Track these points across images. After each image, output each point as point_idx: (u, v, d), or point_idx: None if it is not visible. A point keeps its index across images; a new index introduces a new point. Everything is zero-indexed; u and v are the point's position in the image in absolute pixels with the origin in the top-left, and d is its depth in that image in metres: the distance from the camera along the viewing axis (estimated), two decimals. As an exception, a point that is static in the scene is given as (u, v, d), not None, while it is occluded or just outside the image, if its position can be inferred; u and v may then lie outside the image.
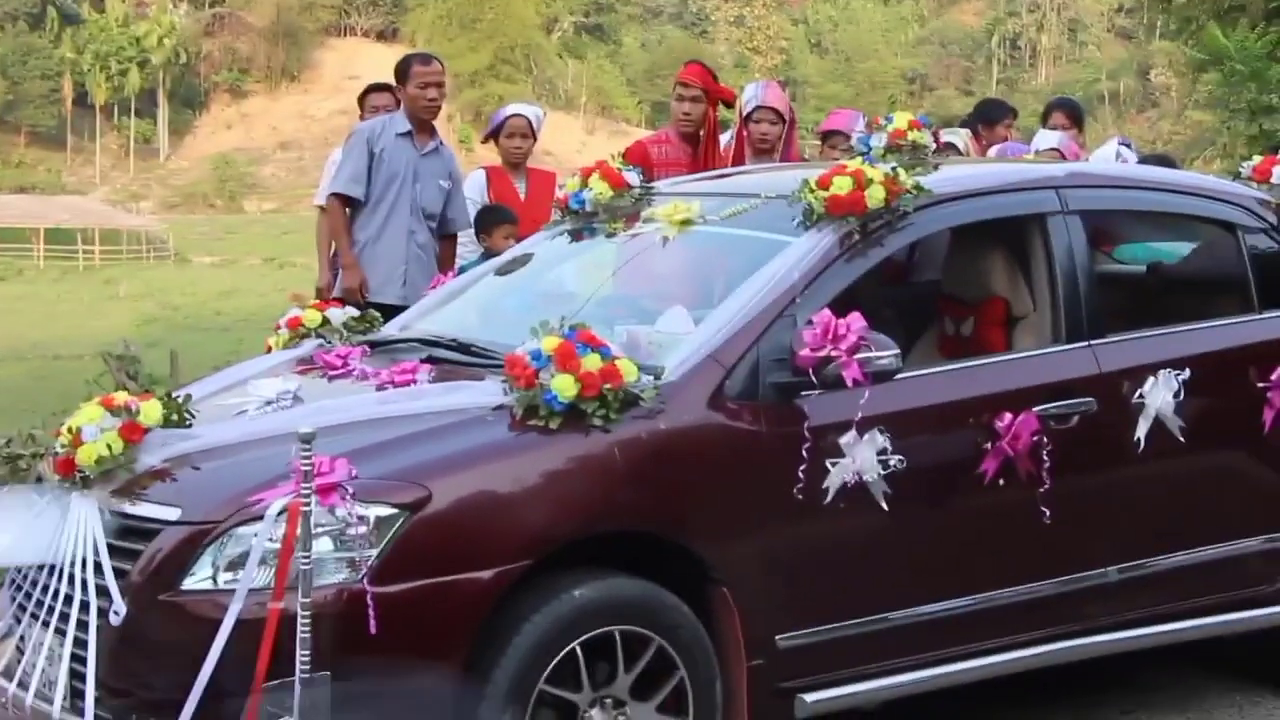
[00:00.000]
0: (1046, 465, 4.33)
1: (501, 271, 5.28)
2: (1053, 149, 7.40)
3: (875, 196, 4.32)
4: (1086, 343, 4.55)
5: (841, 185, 4.35)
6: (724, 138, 8.10)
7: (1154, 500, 4.62)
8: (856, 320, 3.99)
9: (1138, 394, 4.53)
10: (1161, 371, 4.55)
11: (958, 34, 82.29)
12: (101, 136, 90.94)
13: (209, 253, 64.93)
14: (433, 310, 5.12)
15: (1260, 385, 4.72)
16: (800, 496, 4.03)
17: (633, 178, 5.11)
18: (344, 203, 6.71)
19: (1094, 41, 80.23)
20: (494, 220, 6.57)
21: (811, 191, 4.38)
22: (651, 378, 3.95)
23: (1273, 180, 5.08)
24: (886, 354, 3.99)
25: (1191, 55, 21.08)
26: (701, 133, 6.78)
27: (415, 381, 4.21)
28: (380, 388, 4.24)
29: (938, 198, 4.47)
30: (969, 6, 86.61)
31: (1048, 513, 4.34)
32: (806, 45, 78.87)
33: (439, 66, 6.98)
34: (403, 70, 6.88)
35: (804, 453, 4.02)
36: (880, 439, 4.09)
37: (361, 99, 7.89)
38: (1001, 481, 4.29)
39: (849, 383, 3.96)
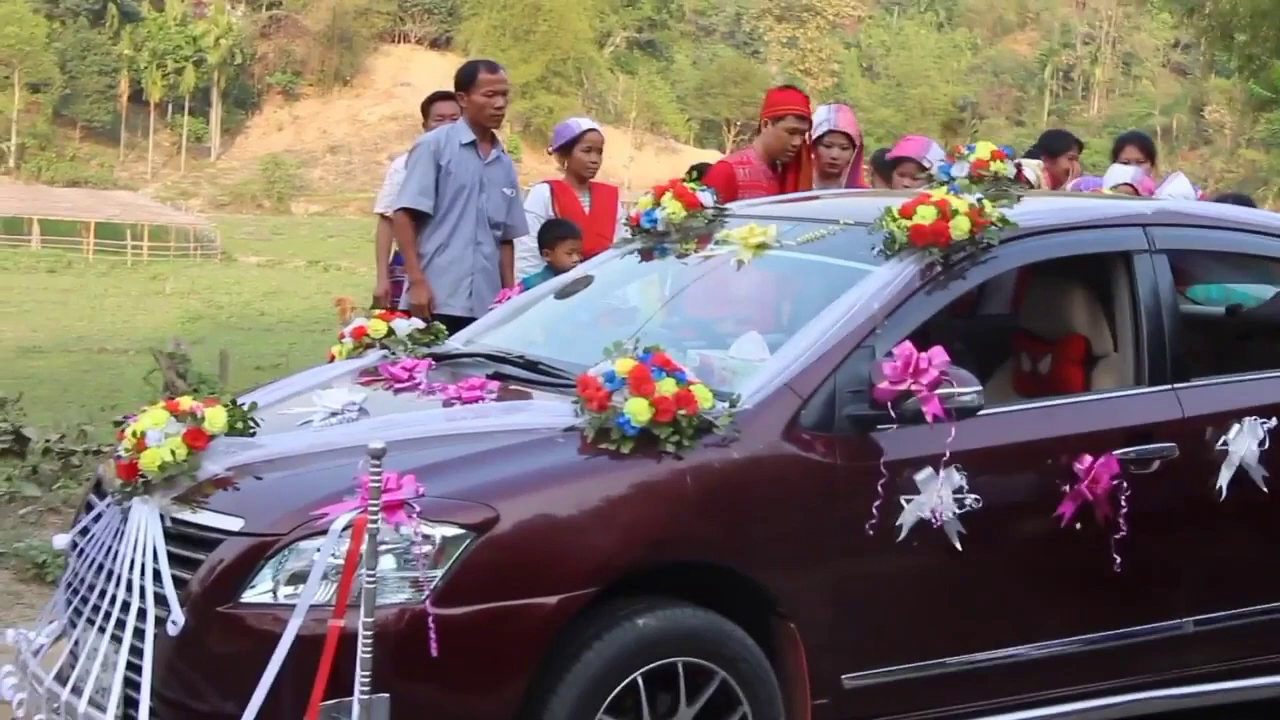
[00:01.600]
0: (1124, 511, 4.20)
1: (569, 289, 5.19)
2: (1127, 184, 7.28)
3: (960, 228, 4.22)
4: (1170, 386, 4.43)
5: (925, 215, 4.24)
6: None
7: (1233, 551, 4.49)
8: (938, 354, 3.89)
9: (1221, 441, 4.40)
10: (1247, 419, 4.43)
11: (1010, 63, 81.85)
12: (154, 134, 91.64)
13: (255, 253, 65.27)
14: (499, 325, 5.05)
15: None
16: (873, 533, 3.93)
17: (707, 198, 5.03)
18: (412, 217, 6.65)
19: (1148, 76, 79.70)
20: (558, 235, 6.50)
21: (894, 220, 4.28)
22: (726, 405, 3.86)
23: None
24: (969, 390, 3.88)
25: (1254, 92, 20.96)
26: (781, 162, 6.65)
27: (483, 398, 4.14)
28: (447, 403, 4.16)
29: (1022, 231, 4.36)
30: (1022, 36, 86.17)
31: (1124, 560, 4.22)
32: (858, 69, 78.61)
33: (505, 74, 6.92)
34: (468, 77, 6.81)
35: (879, 488, 3.92)
36: (957, 477, 3.98)
37: (426, 107, 7.84)
38: (1078, 525, 4.17)
39: (929, 419, 3.85)
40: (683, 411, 3.76)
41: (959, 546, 3.99)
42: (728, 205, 5.15)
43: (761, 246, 4.64)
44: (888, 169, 7.29)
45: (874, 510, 3.92)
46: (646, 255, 5.07)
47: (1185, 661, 4.42)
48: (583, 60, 77.23)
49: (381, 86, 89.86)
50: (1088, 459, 4.17)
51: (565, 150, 7.06)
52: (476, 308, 6.19)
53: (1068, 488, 4.16)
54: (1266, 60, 26.06)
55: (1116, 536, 4.21)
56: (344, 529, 3.49)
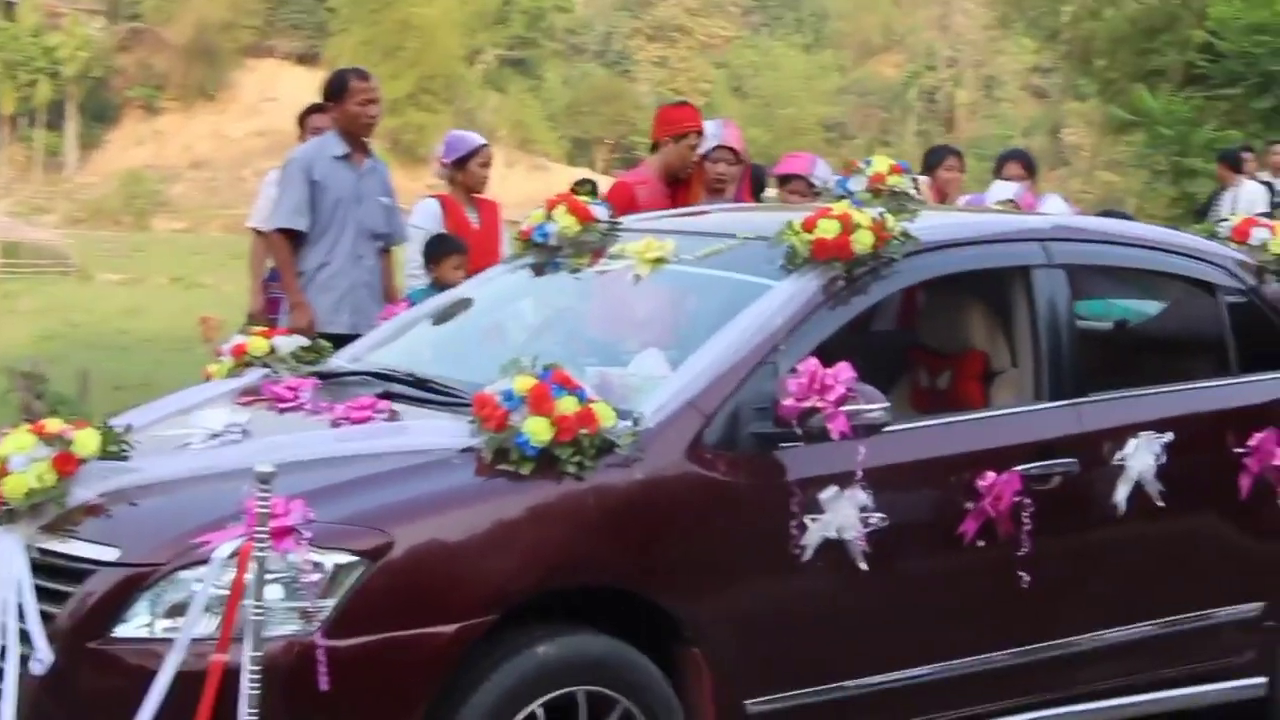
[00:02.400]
0: (1027, 527, 4.15)
1: (457, 305, 5.02)
2: (1009, 200, 7.31)
3: (863, 242, 4.14)
4: (1070, 401, 4.39)
5: (828, 228, 4.16)
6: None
7: (1131, 567, 4.45)
8: (844, 370, 3.79)
9: (1119, 456, 4.36)
10: (1144, 433, 4.40)
11: (877, 85, 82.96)
12: (7, 147, 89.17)
13: (114, 270, 63.60)
14: (385, 342, 4.85)
15: (1238, 451, 4.57)
16: (778, 554, 3.82)
17: (600, 212, 4.90)
18: (288, 237, 6.42)
19: (1009, 99, 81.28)
20: (444, 250, 6.32)
21: (796, 234, 4.19)
22: (629, 424, 3.72)
23: (1251, 241, 4.95)
24: (875, 407, 3.79)
25: (1115, 116, 21.35)
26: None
27: (373, 418, 3.96)
28: (335, 423, 3.97)
29: (923, 245, 4.29)
30: (888, 59, 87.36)
31: (1027, 577, 4.17)
32: (728, 89, 79.08)
33: (377, 82, 6.74)
34: (339, 87, 6.60)
35: (784, 508, 3.82)
36: (862, 495, 3.89)
37: (302, 119, 7.62)
38: (981, 543, 4.11)
39: (835, 436, 3.75)
40: (584, 431, 3.63)
41: (864, 566, 3.90)
42: (621, 219, 5.02)
43: (659, 261, 4.51)
44: (759, 187, 7.21)
45: (779, 531, 3.81)
46: (538, 270, 4.92)
47: (1084, 678, 4.37)
48: (453, 77, 76.56)
49: (247, 101, 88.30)
50: (990, 475, 4.11)
51: (460, 164, 6.88)
52: (360, 324, 6.00)
53: (971, 505, 4.09)
54: (1124, 85, 26.64)
55: (1020, 553, 4.15)
56: (228, 557, 3.30)
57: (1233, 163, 11.84)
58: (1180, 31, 23.63)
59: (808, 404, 3.77)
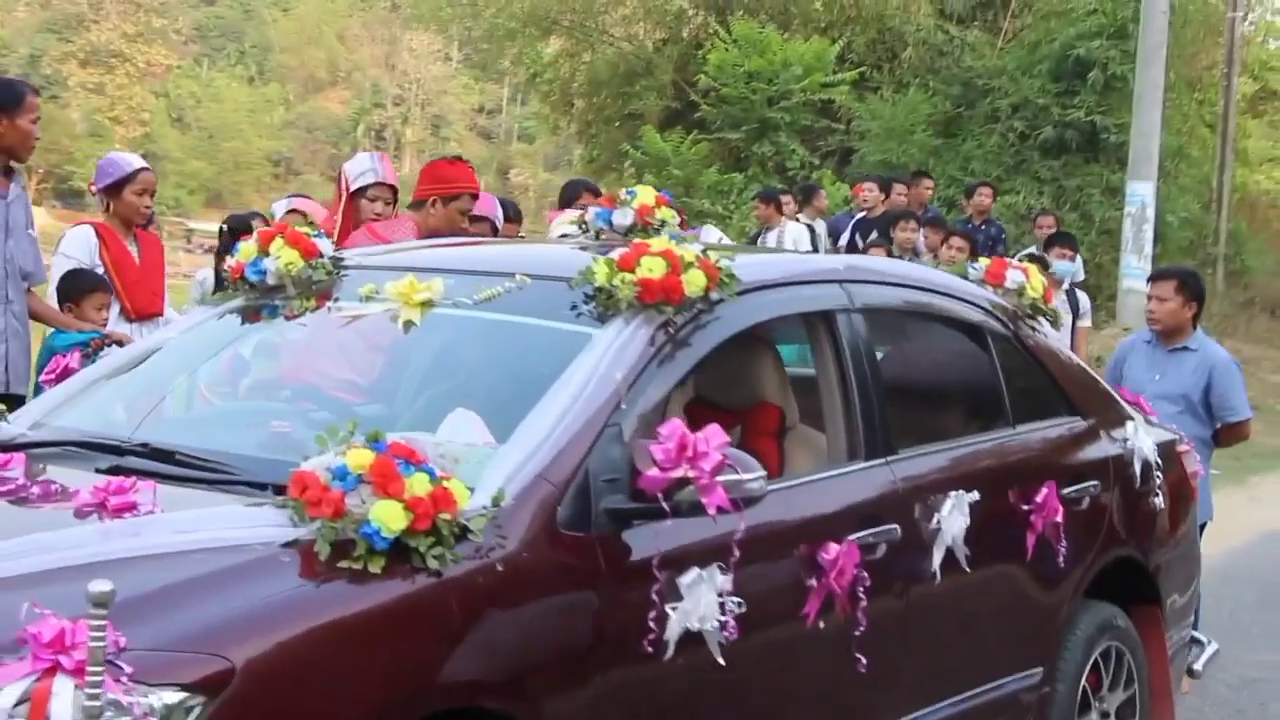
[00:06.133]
0: (863, 604, 3.76)
1: (156, 358, 4.10)
2: None
3: (695, 283, 3.64)
4: (884, 460, 4.04)
5: (653, 268, 3.63)
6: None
7: (946, 639, 4.15)
8: (717, 434, 3.27)
9: (935, 519, 4.06)
10: (954, 493, 4.12)
11: (324, 120, 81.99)
12: None
13: None
14: (71, 403, 3.88)
15: (1025, 508, 4.38)
16: (639, 651, 3.25)
17: (325, 245, 4.15)
18: None
19: (456, 138, 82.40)
20: (85, 288, 5.24)
21: (613, 273, 3.63)
22: (486, 504, 3.05)
23: (1007, 284, 4.80)
24: (753, 476, 3.29)
25: (629, 154, 21.71)
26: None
27: (138, 505, 3.06)
28: (83, 513, 3.06)
29: (745, 286, 3.82)
30: (334, 94, 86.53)
31: (864, 660, 3.77)
32: (169, 119, 75.67)
33: None
34: (13, 98, 5.34)
35: (644, 596, 3.25)
36: (720, 578, 3.37)
37: None
38: (822, 624, 3.69)
39: (711, 510, 3.22)
40: (444, 515, 2.94)
41: (721, 660, 3.38)
42: (344, 254, 4.28)
43: (427, 304, 3.83)
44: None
45: (640, 624, 3.24)
46: (252, 315, 4.11)
47: None
48: None
49: None
50: (833, 548, 3.69)
51: (113, 190, 5.76)
52: (13, 381, 4.87)
53: (814, 581, 3.66)
54: (602, 126, 27.50)
55: (857, 633, 3.76)
56: (17, 704, 2.41)
57: (777, 203, 12.15)
58: (657, 77, 24.56)
59: (677, 474, 3.23)
